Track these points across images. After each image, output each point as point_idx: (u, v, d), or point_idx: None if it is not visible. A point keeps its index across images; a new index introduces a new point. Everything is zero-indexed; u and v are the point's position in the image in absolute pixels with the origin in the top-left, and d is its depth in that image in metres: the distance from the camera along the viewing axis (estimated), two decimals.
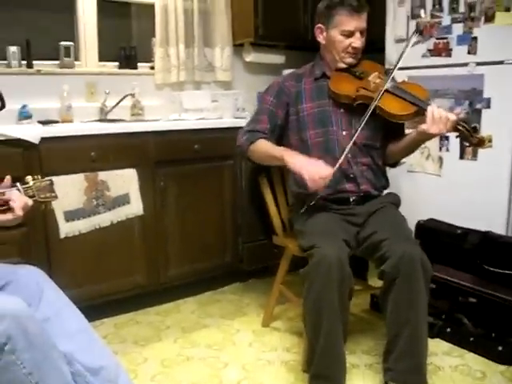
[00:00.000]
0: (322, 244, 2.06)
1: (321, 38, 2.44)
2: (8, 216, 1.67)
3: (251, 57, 4.01)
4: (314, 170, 2.13)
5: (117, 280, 2.95)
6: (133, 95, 3.46)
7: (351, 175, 2.37)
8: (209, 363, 2.52)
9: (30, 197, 1.76)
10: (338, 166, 2.22)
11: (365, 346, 2.64)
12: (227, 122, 3.37)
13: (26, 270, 1.73)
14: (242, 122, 3.21)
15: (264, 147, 2.39)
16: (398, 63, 2.34)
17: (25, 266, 1.76)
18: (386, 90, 2.29)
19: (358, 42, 2.35)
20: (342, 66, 2.41)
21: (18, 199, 1.68)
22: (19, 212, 1.66)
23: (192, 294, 3.32)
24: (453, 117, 2.14)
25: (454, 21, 3.00)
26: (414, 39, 2.49)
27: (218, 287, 3.46)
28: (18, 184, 1.75)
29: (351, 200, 2.38)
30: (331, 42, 2.39)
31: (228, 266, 3.41)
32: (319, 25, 2.42)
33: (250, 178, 2.81)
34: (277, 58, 4.10)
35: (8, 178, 1.74)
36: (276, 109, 2.47)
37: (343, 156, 2.24)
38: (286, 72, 3.14)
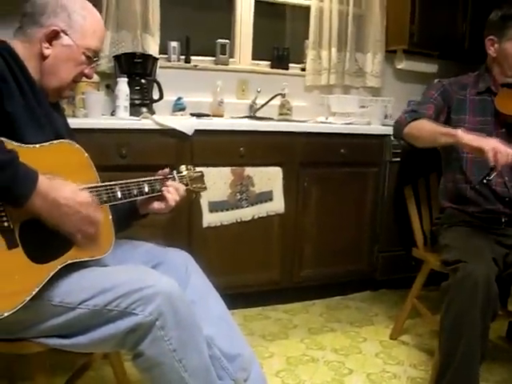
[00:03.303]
0: (470, 259, 1.96)
1: (491, 51, 2.33)
2: (161, 205, 1.76)
3: (403, 64, 3.94)
4: (494, 144, 1.99)
5: (251, 274, 3.02)
6: (283, 95, 3.51)
7: (507, 199, 2.26)
8: (333, 367, 2.51)
9: (184, 185, 1.84)
10: None
11: (498, 377, 2.48)
12: (375, 128, 3.33)
13: (176, 253, 1.81)
14: (391, 130, 3.16)
15: (429, 124, 2.27)
16: None
17: (176, 250, 1.84)
18: None
19: None
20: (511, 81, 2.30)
21: (174, 192, 1.76)
22: (172, 203, 1.75)
23: (321, 297, 3.33)
24: None
25: None
26: None
27: (348, 293, 3.43)
28: (174, 172, 1.83)
29: (503, 221, 2.27)
30: (503, 56, 2.28)
31: (360, 273, 3.39)
32: (491, 37, 2.31)
33: (394, 188, 2.76)
34: (429, 67, 4.00)
35: (167, 171, 1.82)
36: (440, 105, 2.38)
37: None
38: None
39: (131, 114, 2.88)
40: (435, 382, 2.18)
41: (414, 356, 2.66)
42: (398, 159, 2.89)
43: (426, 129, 2.27)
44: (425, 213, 2.66)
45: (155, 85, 3.10)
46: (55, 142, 1.47)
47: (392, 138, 3.10)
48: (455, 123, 2.35)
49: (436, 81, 2.52)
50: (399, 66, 3.97)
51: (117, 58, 3.08)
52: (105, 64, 3.11)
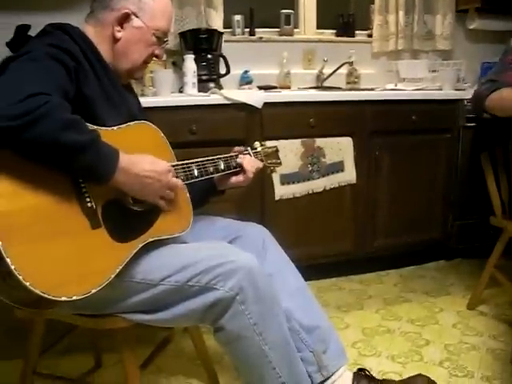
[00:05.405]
0: None
1: None
2: (240, 178, 1.79)
3: (475, 24, 3.76)
4: None
5: (324, 245, 3.01)
6: (350, 63, 3.45)
7: None
8: (410, 338, 2.49)
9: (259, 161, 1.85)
10: None
11: None
12: (447, 93, 3.19)
13: (253, 228, 1.83)
14: (463, 94, 3.07)
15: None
16: None
17: (252, 224, 1.86)
18: None
19: None
20: None
21: (250, 163, 1.78)
22: (250, 175, 1.78)
23: (395, 267, 3.29)
24: None
25: None
26: None
27: (422, 262, 3.38)
28: (248, 148, 1.85)
29: None
30: None
31: (434, 242, 3.32)
32: None
33: (469, 154, 2.67)
34: (504, 25, 3.78)
35: (242, 148, 1.85)
36: None
37: None
38: None
39: (199, 90, 2.89)
40: None
41: (493, 327, 2.60)
42: (473, 124, 2.80)
43: (510, 97, 2.18)
44: (503, 180, 2.57)
45: (221, 59, 3.10)
46: (132, 123, 1.50)
47: (470, 107, 2.89)
48: None
49: None
50: (471, 26, 3.79)
51: (182, 34, 3.09)
52: (170, 41, 3.12)
